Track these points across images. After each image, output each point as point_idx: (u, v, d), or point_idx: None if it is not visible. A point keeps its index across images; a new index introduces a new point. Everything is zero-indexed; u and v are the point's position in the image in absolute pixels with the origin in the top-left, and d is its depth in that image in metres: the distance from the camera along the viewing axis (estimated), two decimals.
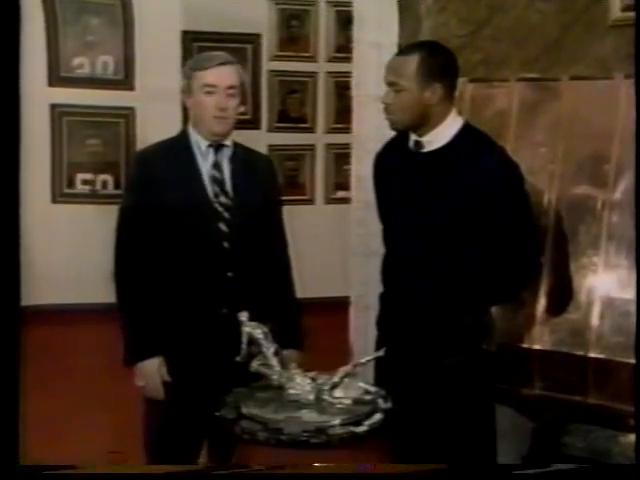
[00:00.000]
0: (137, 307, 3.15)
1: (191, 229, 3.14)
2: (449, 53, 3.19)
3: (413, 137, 3.18)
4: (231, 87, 3.14)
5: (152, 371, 3.14)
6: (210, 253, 3.16)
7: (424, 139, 3.15)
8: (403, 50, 3.25)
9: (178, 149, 3.22)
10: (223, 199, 3.17)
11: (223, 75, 3.13)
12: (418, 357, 3.14)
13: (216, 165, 3.19)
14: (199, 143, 3.19)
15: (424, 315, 3.12)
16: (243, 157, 3.26)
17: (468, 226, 3.05)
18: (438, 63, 3.11)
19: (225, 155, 3.21)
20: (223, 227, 3.16)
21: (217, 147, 3.19)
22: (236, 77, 3.17)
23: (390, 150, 3.33)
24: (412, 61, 3.08)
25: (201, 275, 3.15)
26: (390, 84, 3.12)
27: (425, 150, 3.16)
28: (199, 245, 3.15)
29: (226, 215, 3.17)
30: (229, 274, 3.16)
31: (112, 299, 3.21)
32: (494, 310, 3.26)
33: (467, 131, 3.17)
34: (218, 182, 3.18)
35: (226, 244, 3.17)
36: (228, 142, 3.22)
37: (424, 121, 3.12)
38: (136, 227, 3.16)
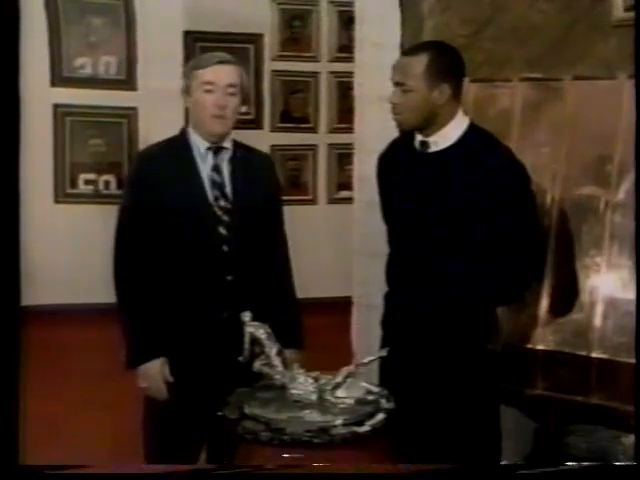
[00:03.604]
0: (137, 309, 3.14)
1: (190, 232, 3.13)
2: (456, 53, 3.18)
3: (419, 137, 3.17)
4: (230, 85, 3.13)
5: (155, 373, 3.13)
6: (209, 257, 3.15)
7: (430, 139, 3.14)
8: (410, 50, 3.24)
9: (178, 150, 3.21)
10: (223, 202, 3.16)
11: (222, 73, 3.13)
12: (423, 357, 3.14)
13: (215, 168, 3.18)
14: (198, 145, 3.18)
15: (429, 315, 3.12)
16: (243, 157, 3.24)
17: (474, 226, 3.05)
18: (446, 63, 3.11)
19: (224, 157, 3.20)
20: (222, 231, 3.15)
21: (216, 150, 3.19)
22: (236, 76, 3.16)
23: (394, 150, 3.33)
24: (420, 61, 3.07)
25: (201, 278, 3.14)
26: (397, 84, 3.12)
27: (431, 150, 3.15)
28: (198, 248, 3.14)
29: (225, 218, 3.16)
30: (229, 277, 3.15)
31: (113, 299, 3.21)
32: (498, 310, 3.25)
33: (473, 131, 3.16)
34: (218, 185, 3.17)
35: (225, 247, 3.15)
36: (227, 144, 3.21)
37: (431, 121, 3.11)
38: (135, 228, 3.15)
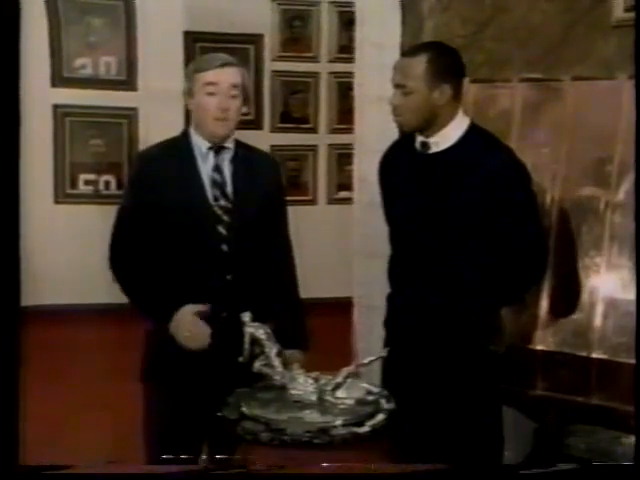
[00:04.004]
0: (145, 279, 3.12)
1: (190, 232, 3.12)
2: (456, 53, 3.19)
3: (420, 138, 3.16)
4: (233, 87, 3.12)
5: (190, 317, 3.05)
6: (208, 256, 3.14)
7: (431, 140, 3.14)
8: (410, 51, 3.23)
9: (179, 150, 3.21)
10: (223, 202, 3.16)
11: (225, 75, 3.12)
12: (426, 358, 3.14)
13: (216, 168, 3.18)
14: (199, 145, 3.18)
15: (431, 316, 3.12)
16: (245, 157, 3.24)
17: (476, 226, 3.05)
18: (446, 63, 3.10)
19: (226, 157, 3.20)
20: (222, 230, 3.15)
21: (217, 149, 3.18)
22: (238, 77, 3.15)
23: (396, 152, 3.32)
24: (420, 62, 3.07)
25: (199, 278, 3.13)
26: (398, 86, 3.11)
27: (432, 151, 3.15)
28: (197, 248, 3.13)
29: (225, 218, 3.15)
30: (228, 277, 3.15)
31: (112, 299, 3.20)
32: (506, 312, 3.25)
33: (474, 131, 3.16)
34: (218, 185, 3.16)
35: (225, 247, 3.15)
36: (229, 144, 3.20)
37: (432, 122, 3.11)
38: (134, 228, 3.14)
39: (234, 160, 3.20)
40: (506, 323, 3.25)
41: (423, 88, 3.07)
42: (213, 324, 3.12)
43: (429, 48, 3.17)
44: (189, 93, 3.17)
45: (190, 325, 3.06)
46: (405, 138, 3.25)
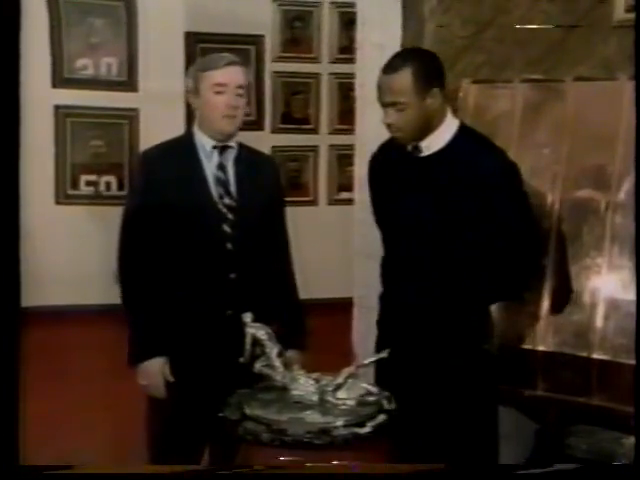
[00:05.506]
0: (141, 307, 3.16)
1: (195, 230, 3.15)
2: (434, 55, 3.20)
3: (411, 142, 3.16)
4: (240, 87, 3.17)
5: (155, 371, 3.14)
6: (213, 254, 3.16)
7: (422, 144, 3.14)
8: (391, 67, 3.12)
9: (183, 150, 3.23)
10: (227, 200, 3.18)
11: (232, 74, 3.17)
12: (419, 357, 3.14)
13: (221, 166, 3.20)
14: (204, 144, 3.20)
15: (424, 316, 3.12)
16: (247, 158, 3.27)
17: (468, 226, 3.05)
18: (429, 68, 3.10)
19: (230, 156, 3.22)
20: (227, 228, 3.17)
21: (222, 148, 3.20)
22: (244, 77, 3.21)
23: (385, 153, 3.32)
24: (406, 75, 3.05)
25: (204, 276, 3.15)
26: (390, 104, 3.08)
27: (423, 154, 3.15)
28: (203, 246, 3.16)
29: (230, 216, 3.17)
30: (232, 275, 3.17)
31: (112, 300, 3.21)
32: (497, 311, 3.25)
33: (464, 132, 3.17)
34: (222, 183, 3.19)
35: (229, 245, 3.17)
36: (233, 143, 3.23)
37: (427, 128, 3.11)
38: (140, 228, 3.16)
39: (237, 160, 3.23)
40: (496, 323, 3.25)
41: (416, 99, 3.05)
42: (217, 323, 3.13)
43: (409, 58, 3.13)
44: (194, 92, 3.19)
45: (152, 377, 3.15)
46: (395, 140, 3.24)
